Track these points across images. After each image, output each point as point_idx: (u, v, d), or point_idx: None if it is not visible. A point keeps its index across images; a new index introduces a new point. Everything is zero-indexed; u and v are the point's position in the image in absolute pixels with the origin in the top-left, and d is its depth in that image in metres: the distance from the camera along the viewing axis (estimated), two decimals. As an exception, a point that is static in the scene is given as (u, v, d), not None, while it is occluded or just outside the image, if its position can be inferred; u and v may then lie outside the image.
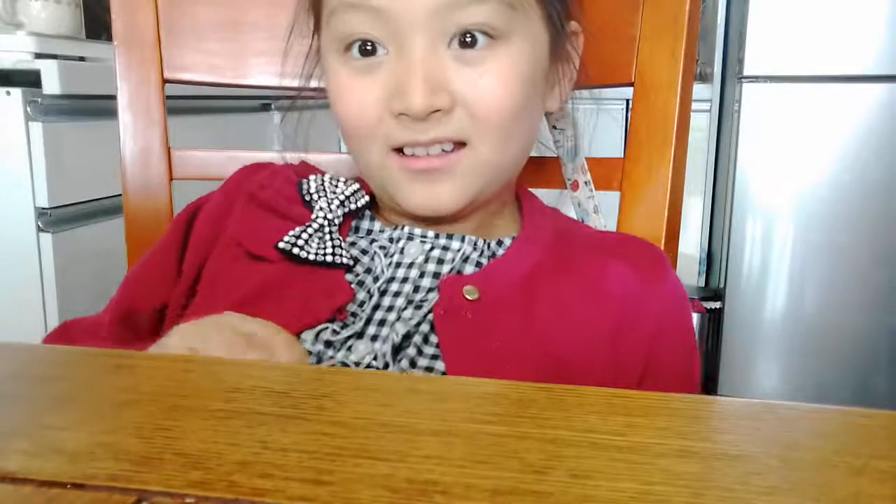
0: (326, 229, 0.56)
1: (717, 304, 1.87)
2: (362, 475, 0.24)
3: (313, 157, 0.67)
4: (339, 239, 0.56)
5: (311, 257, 0.54)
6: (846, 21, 1.68)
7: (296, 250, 0.54)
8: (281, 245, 0.54)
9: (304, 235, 0.55)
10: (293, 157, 0.66)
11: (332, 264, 0.54)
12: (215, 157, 0.75)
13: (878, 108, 1.71)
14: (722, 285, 1.92)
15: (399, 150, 0.53)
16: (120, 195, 0.74)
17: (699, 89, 2.03)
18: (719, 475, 0.25)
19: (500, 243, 0.57)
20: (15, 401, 0.29)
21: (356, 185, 0.59)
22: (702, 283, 2.19)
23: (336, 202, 0.57)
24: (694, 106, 0.67)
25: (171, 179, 0.74)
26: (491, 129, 0.52)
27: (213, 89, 0.80)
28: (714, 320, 1.88)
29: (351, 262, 0.55)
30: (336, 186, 0.59)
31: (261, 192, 0.60)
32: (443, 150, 0.52)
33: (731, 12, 2.07)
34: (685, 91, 0.65)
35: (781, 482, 0.24)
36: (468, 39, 0.51)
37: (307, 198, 0.58)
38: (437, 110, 0.51)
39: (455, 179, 0.53)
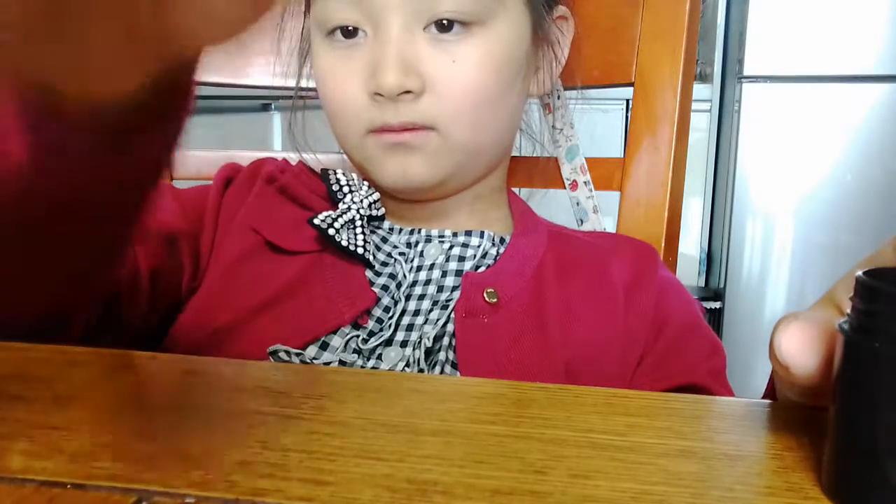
0: (358, 222, 0.55)
1: (717, 304, 1.87)
2: (362, 475, 0.24)
3: (313, 157, 0.67)
4: (369, 234, 0.56)
5: (344, 243, 0.53)
6: (846, 21, 1.68)
7: (331, 231, 0.53)
8: (316, 221, 0.53)
9: (340, 220, 0.54)
10: (294, 157, 0.66)
11: (360, 257, 0.54)
12: (215, 157, 0.75)
13: (878, 108, 1.71)
14: (722, 285, 1.92)
15: (376, 132, 0.54)
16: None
17: (699, 89, 2.03)
18: (719, 475, 0.25)
19: (502, 241, 0.58)
20: (15, 401, 0.29)
21: (378, 194, 0.58)
22: (702, 283, 2.19)
23: (367, 201, 0.57)
24: (694, 106, 0.67)
25: (171, 179, 0.74)
26: (460, 113, 0.53)
27: (213, 89, 0.80)
28: (714, 320, 1.88)
29: (375, 263, 0.55)
30: (362, 186, 0.58)
31: (281, 177, 0.59)
32: (415, 129, 0.53)
33: (731, 12, 2.07)
34: (685, 91, 0.65)
35: (781, 482, 0.24)
36: (445, 23, 0.52)
37: (335, 188, 0.57)
38: (409, 91, 0.51)
39: (426, 156, 0.53)
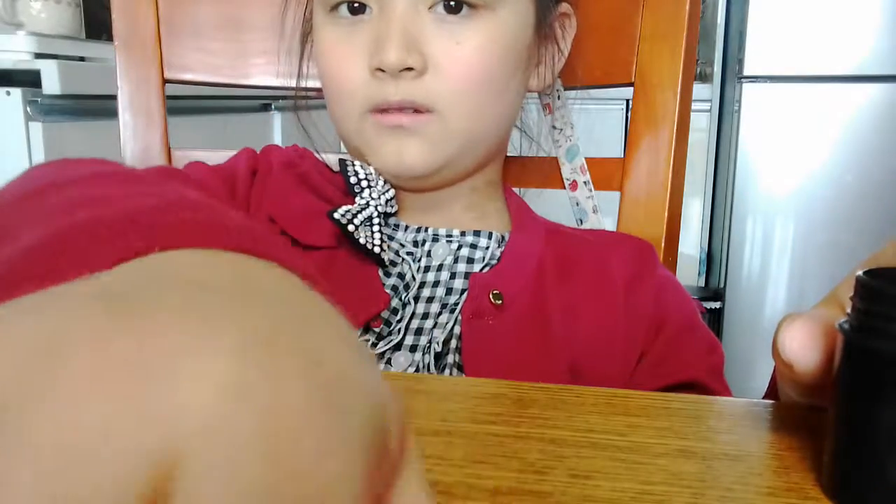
0: (375, 220, 0.54)
1: (717, 304, 1.87)
2: (362, 475, 0.24)
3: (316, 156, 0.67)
4: (386, 233, 0.55)
5: (362, 241, 0.52)
6: (846, 21, 1.68)
7: (351, 227, 0.52)
8: (336, 215, 0.52)
9: (360, 217, 0.53)
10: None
11: (376, 257, 0.53)
12: (215, 157, 0.75)
13: (878, 108, 1.71)
14: (722, 285, 1.92)
15: (374, 112, 0.53)
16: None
17: (699, 89, 2.03)
18: (719, 475, 0.25)
19: (503, 239, 0.57)
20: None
21: (394, 191, 0.57)
22: (702, 283, 2.20)
23: (384, 198, 0.55)
24: (694, 106, 0.67)
25: (171, 179, 0.74)
26: (461, 96, 0.52)
27: (213, 89, 0.80)
28: (714, 320, 1.88)
29: (389, 264, 0.54)
30: (378, 181, 0.57)
31: (301, 162, 0.59)
32: (414, 112, 0.52)
33: (731, 12, 2.07)
34: (685, 91, 0.65)
35: (781, 482, 0.24)
36: (452, 4, 0.52)
37: (353, 180, 0.56)
38: (410, 69, 0.51)
39: (423, 141, 0.53)
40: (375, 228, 0.54)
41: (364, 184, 0.56)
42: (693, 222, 2.18)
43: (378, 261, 0.53)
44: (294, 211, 0.55)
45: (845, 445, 0.23)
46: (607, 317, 0.53)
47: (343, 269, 0.53)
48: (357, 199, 0.55)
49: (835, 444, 0.23)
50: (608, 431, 0.27)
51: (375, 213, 0.54)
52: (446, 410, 0.29)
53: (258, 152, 0.61)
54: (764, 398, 0.34)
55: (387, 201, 0.56)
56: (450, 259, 0.55)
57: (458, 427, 0.27)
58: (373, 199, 0.55)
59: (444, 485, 0.23)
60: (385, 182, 0.57)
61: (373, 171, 0.57)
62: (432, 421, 0.28)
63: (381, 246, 0.53)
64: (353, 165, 0.57)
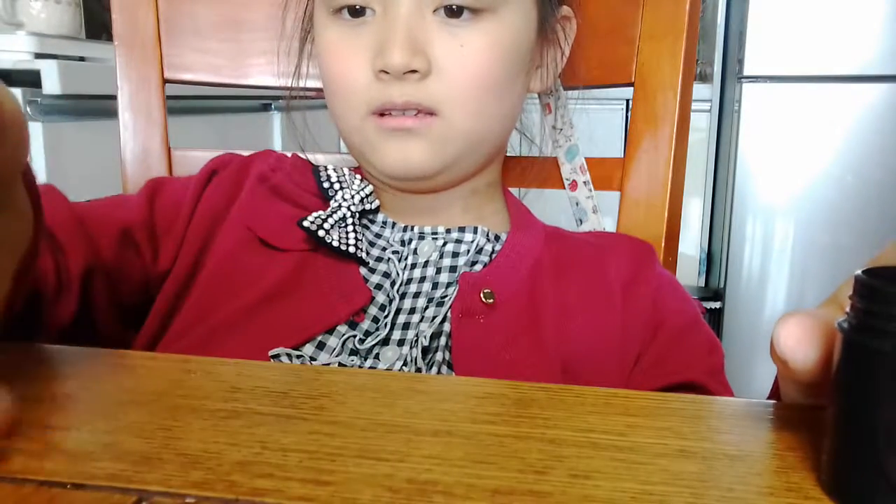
0: (349, 220, 0.55)
1: (717, 304, 1.87)
2: (362, 475, 0.24)
3: (313, 157, 0.67)
4: (361, 232, 0.55)
5: (335, 244, 0.53)
6: (846, 21, 1.68)
7: (321, 233, 0.53)
8: (305, 224, 0.53)
9: (330, 220, 0.54)
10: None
11: (353, 256, 0.53)
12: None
13: (878, 108, 1.71)
14: (722, 285, 1.92)
15: (377, 115, 0.53)
16: (120, 195, 0.74)
17: (699, 89, 2.03)
18: (719, 475, 0.25)
19: (497, 238, 0.58)
20: (15, 401, 0.29)
21: (371, 187, 0.58)
22: (702, 283, 2.20)
23: (358, 197, 0.56)
24: (694, 106, 0.67)
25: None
26: (465, 98, 0.53)
27: (213, 89, 0.80)
28: (714, 320, 1.88)
29: (368, 260, 0.54)
30: (353, 181, 0.58)
31: (273, 175, 0.59)
32: (417, 113, 0.53)
33: (731, 12, 2.07)
34: (685, 91, 0.65)
35: (781, 482, 0.24)
36: (455, 8, 0.52)
37: (325, 185, 0.57)
38: (415, 71, 0.51)
39: (427, 142, 0.53)
40: (350, 229, 0.54)
41: (337, 186, 0.57)
42: (693, 222, 2.18)
43: (357, 260, 0.54)
44: (268, 221, 0.56)
45: (845, 445, 0.23)
46: (602, 318, 0.53)
47: (323, 268, 0.53)
48: (331, 202, 0.56)
49: (834, 444, 0.23)
50: (608, 431, 0.27)
51: (349, 214, 0.55)
52: (446, 410, 0.29)
53: (240, 154, 0.62)
54: (767, 399, 0.34)
55: (362, 199, 0.56)
56: (435, 255, 0.55)
57: (458, 427, 0.27)
58: (345, 200, 0.55)
59: (443, 485, 0.23)
60: (362, 179, 0.57)
61: (346, 171, 0.58)
62: (432, 421, 0.28)
63: (356, 245, 0.54)
64: (326, 170, 0.58)
